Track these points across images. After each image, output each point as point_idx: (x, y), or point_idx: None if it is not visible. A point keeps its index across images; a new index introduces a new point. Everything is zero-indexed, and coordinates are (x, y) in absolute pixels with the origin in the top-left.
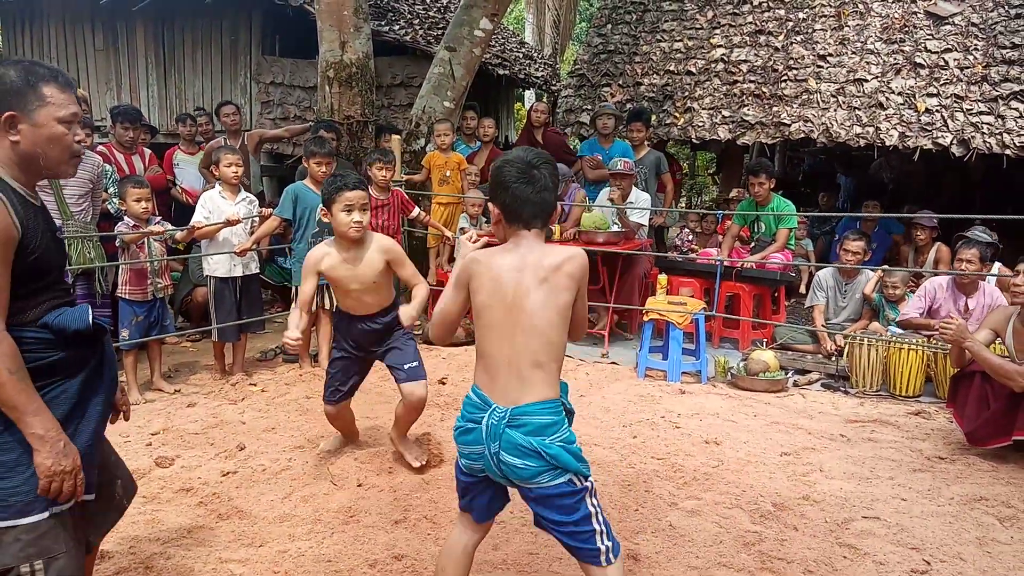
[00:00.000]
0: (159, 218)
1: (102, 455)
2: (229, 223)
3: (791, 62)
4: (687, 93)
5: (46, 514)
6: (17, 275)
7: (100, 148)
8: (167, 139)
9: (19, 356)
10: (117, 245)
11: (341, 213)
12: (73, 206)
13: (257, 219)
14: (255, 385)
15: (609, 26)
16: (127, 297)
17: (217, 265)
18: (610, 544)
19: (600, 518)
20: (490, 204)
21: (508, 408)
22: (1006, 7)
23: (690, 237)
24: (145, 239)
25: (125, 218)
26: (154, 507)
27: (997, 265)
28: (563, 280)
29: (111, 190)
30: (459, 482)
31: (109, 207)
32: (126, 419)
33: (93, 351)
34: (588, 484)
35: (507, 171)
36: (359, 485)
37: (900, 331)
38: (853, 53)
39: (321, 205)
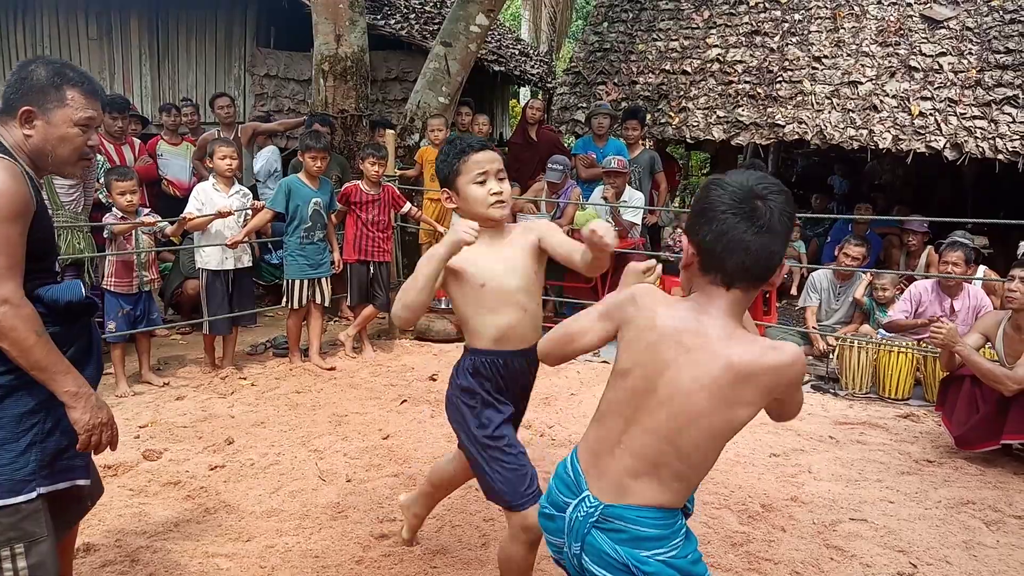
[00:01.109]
0: (148, 209)
1: None
2: (221, 215)
3: (786, 63)
4: (682, 93)
5: (25, 496)
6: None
7: None
8: (159, 130)
9: (40, 319)
10: (105, 236)
11: (473, 186)
12: (63, 196)
13: (250, 212)
14: (245, 379)
15: (605, 24)
16: (113, 289)
17: (209, 258)
18: None
19: None
20: (683, 238)
21: (601, 503)
22: (1001, 12)
23: (682, 237)
24: (133, 231)
25: (113, 209)
26: (141, 500)
27: (982, 268)
28: (749, 394)
29: (102, 180)
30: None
31: (100, 196)
32: (112, 448)
33: (81, 329)
34: None
35: (717, 196)
36: (348, 481)
37: (887, 333)
38: (848, 55)
39: (442, 189)
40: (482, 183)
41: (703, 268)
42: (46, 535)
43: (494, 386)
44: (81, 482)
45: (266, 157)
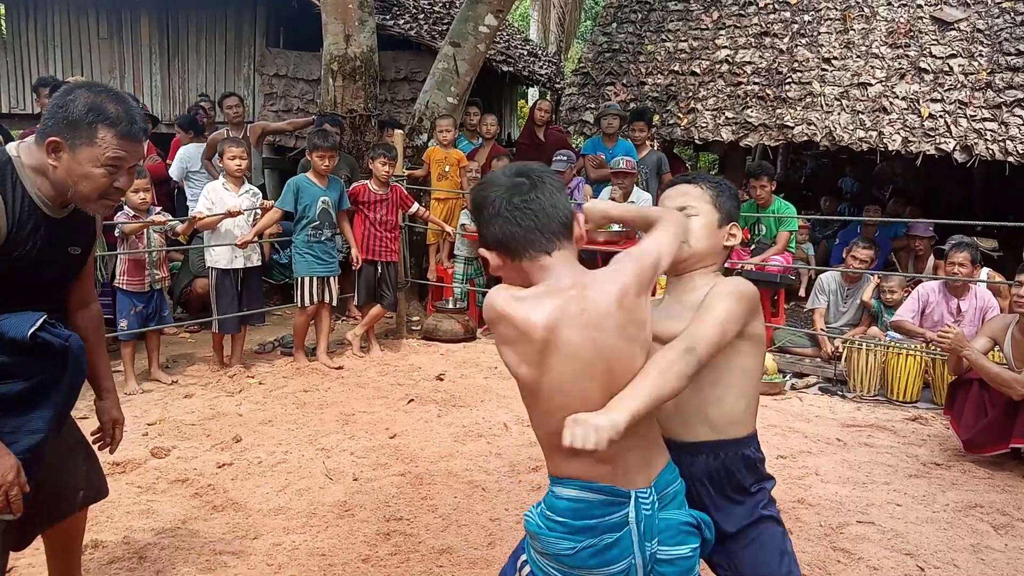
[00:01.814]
0: (159, 208)
1: (55, 469)
2: (230, 214)
3: (795, 65)
4: (691, 94)
5: None
6: None
7: None
8: (169, 130)
9: None
10: (116, 235)
11: None
12: None
13: (259, 211)
14: (253, 377)
15: (614, 25)
16: (125, 288)
17: (219, 257)
18: None
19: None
20: (481, 251)
21: (650, 488)
22: (1012, 14)
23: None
24: (145, 230)
25: (125, 208)
26: (149, 497)
27: (985, 271)
28: (641, 307)
29: None
30: None
31: None
32: (111, 451)
33: (46, 362)
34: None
35: (488, 196)
36: (354, 479)
37: (897, 335)
38: (858, 57)
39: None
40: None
41: (520, 255)
42: None
43: None
44: (7, 518)
45: (181, 156)
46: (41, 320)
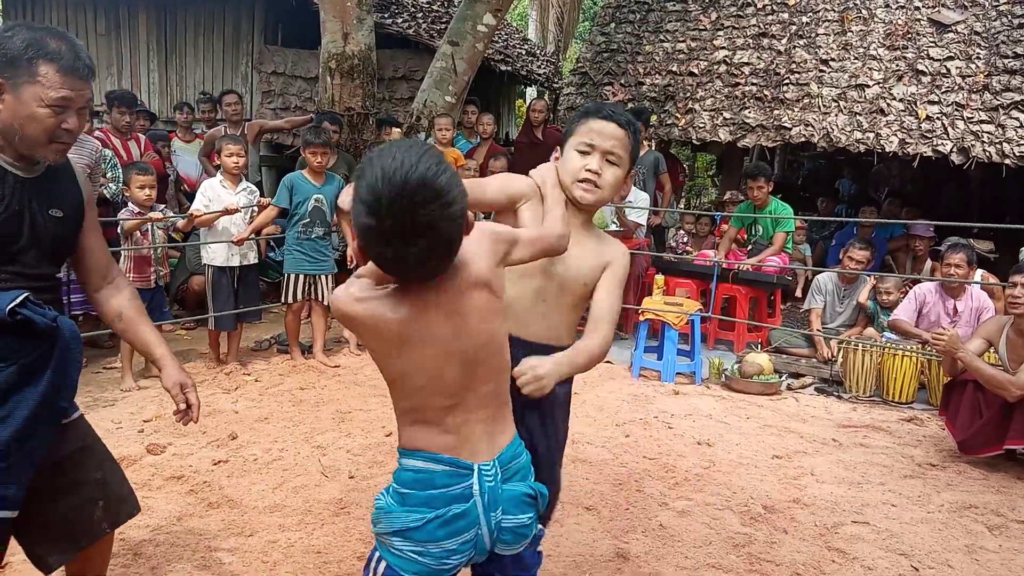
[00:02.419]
0: (163, 206)
1: (58, 482)
2: (228, 212)
3: (793, 66)
4: (689, 94)
5: None
6: None
7: (97, 133)
8: (166, 126)
9: None
10: (118, 232)
11: (574, 152)
12: None
13: (256, 209)
14: (249, 375)
15: (612, 25)
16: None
17: (215, 254)
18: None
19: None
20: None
21: (494, 460)
22: (1009, 16)
23: (686, 239)
24: (149, 226)
25: (129, 205)
26: (144, 494)
27: (980, 272)
28: (495, 279)
29: (109, 174)
30: None
31: (105, 192)
32: (195, 420)
33: (32, 344)
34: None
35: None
36: (351, 477)
37: (894, 336)
38: (855, 58)
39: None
40: (585, 153)
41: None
42: None
43: None
44: (4, 514)
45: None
46: (22, 297)
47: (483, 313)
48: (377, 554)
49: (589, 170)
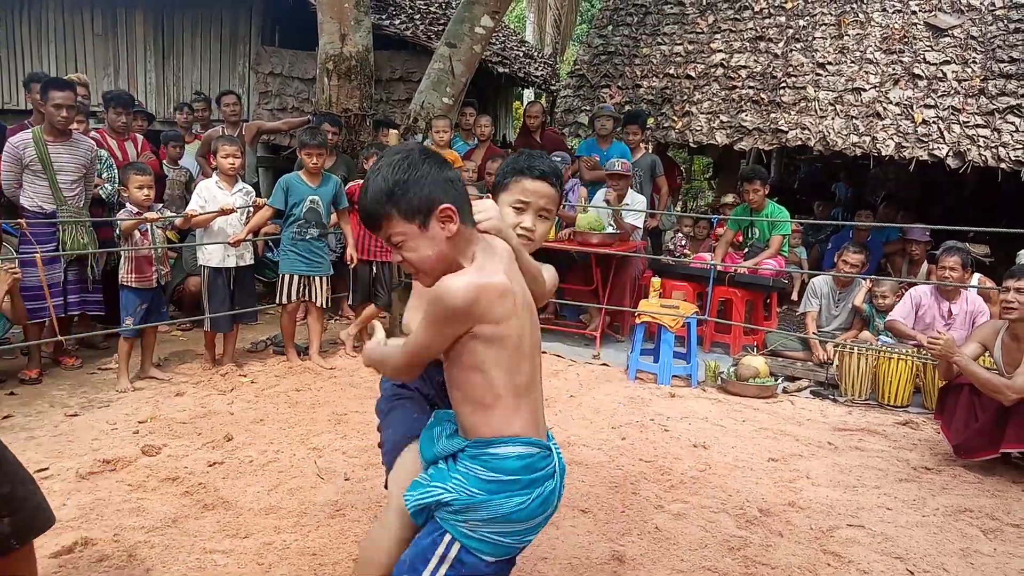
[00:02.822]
0: (160, 205)
1: None
2: (224, 212)
3: (790, 69)
4: (686, 97)
5: None
6: None
7: (93, 134)
8: (163, 126)
9: None
10: (117, 234)
11: (509, 209)
12: (66, 191)
13: (252, 210)
14: (245, 376)
15: (610, 27)
16: (133, 285)
17: (211, 255)
18: None
19: None
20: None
21: (549, 434)
22: (1005, 21)
23: (683, 241)
24: (149, 227)
25: (128, 205)
26: (139, 495)
27: (977, 276)
28: None
29: (105, 175)
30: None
31: (101, 192)
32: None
33: None
34: None
35: (413, 167)
36: (346, 479)
37: (890, 340)
38: (852, 62)
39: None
40: (520, 211)
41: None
42: None
43: None
44: None
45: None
46: None
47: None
48: (448, 538)
49: (524, 227)
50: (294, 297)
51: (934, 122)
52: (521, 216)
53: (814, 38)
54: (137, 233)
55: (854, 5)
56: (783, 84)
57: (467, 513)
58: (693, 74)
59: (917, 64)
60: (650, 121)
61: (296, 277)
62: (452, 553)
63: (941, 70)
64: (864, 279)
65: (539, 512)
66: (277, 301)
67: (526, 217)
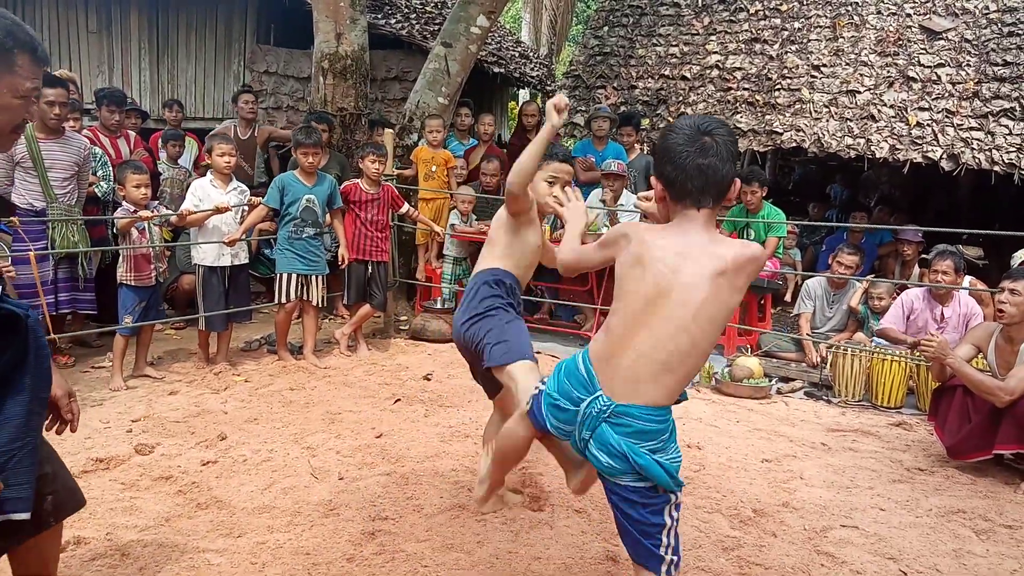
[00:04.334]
0: (157, 203)
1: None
2: (218, 211)
3: (785, 71)
4: (681, 98)
5: None
6: None
7: (85, 131)
8: (157, 124)
9: None
10: (114, 232)
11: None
12: (57, 188)
13: (246, 208)
14: (239, 375)
15: (605, 28)
16: (132, 284)
17: (205, 254)
18: (674, 559)
19: (673, 532)
20: (652, 179)
21: (614, 402)
22: (999, 24)
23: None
24: (147, 225)
25: (124, 204)
26: (132, 494)
27: (969, 279)
28: (741, 280)
29: (100, 173)
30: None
31: (96, 191)
32: (72, 430)
33: (6, 340)
34: (673, 497)
35: (672, 138)
36: (340, 479)
37: (883, 342)
38: (847, 65)
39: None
40: (551, 184)
41: (675, 198)
42: None
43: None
44: (17, 517)
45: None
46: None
47: (706, 278)
48: (541, 383)
49: (556, 195)
50: (293, 296)
51: (928, 124)
52: (553, 187)
53: (809, 40)
54: (135, 231)
55: (849, 8)
56: (778, 86)
57: (559, 377)
58: (688, 75)
59: (911, 67)
60: (645, 122)
61: (295, 276)
62: (539, 387)
63: (935, 73)
64: (859, 280)
65: (548, 410)
66: (276, 300)
67: (556, 188)
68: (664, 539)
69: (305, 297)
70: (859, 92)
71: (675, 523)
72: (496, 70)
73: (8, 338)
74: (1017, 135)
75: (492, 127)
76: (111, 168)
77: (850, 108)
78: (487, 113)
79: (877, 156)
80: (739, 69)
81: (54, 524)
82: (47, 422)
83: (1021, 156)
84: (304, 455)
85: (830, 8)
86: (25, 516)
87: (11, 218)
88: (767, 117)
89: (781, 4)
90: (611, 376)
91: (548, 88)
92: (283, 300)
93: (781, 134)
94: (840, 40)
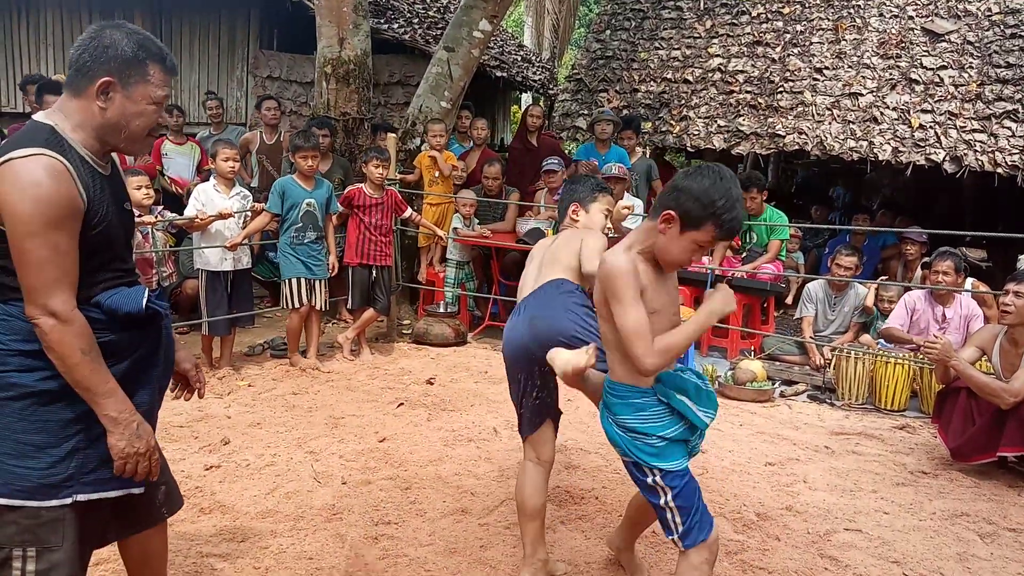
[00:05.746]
0: (161, 207)
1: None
2: (221, 216)
3: (787, 74)
4: (683, 101)
5: (53, 502)
6: (80, 250)
7: None
8: (159, 130)
9: (92, 336)
10: None
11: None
12: None
13: (250, 214)
14: (242, 380)
15: (608, 32)
16: None
17: (208, 258)
18: (688, 532)
19: (677, 518)
20: (674, 212)
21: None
22: (1002, 26)
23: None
24: (150, 229)
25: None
26: None
27: (970, 281)
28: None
29: None
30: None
31: None
32: (200, 396)
33: (145, 335)
34: (657, 479)
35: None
36: (343, 483)
37: (887, 344)
38: (849, 67)
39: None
40: (606, 216)
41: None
42: (60, 545)
43: None
44: (136, 491)
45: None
46: (147, 291)
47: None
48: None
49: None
50: (305, 300)
51: (931, 127)
52: (606, 220)
53: (811, 43)
54: (139, 235)
55: (851, 10)
56: (780, 89)
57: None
58: (691, 78)
59: (914, 69)
60: (647, 125)
61: (303, 280)
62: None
63: (938, 75)
64: (861, 283)
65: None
66: (285, 305)
67: (607, 220)
68: (670, 519)
69: (313, 304)
70: (861, 95)
71: (675, 512)
72: (499, 74)
73: (149, 333)
74: (1020, 137)
75: (486, 131)
76: None
77: (852, 111)
78: (480, 118)
79: (880, 159)
80: (741, 72)
81: (167, 516)
82: (176, 391)
83: None
84: (307, 459)
85: (832, 11)
86: (140, 490)
87: None
88: (769, 120)
89: (783, 7)
90: None
91: (550, 91)
92: (295, 305)
93: (783, 137)
94: (842, 43)
